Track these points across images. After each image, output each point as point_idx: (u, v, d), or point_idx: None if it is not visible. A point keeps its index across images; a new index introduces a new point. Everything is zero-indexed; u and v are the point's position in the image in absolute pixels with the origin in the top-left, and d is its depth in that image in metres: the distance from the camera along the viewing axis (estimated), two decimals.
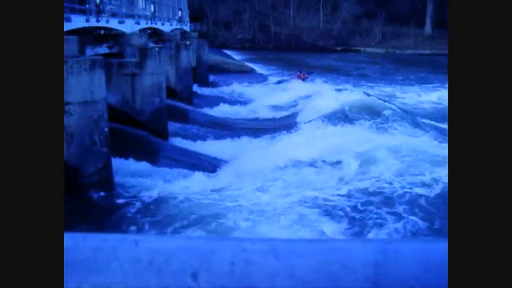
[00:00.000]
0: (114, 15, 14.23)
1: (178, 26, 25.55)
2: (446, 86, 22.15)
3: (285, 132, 15.19)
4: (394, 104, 18.99)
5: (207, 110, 19.17)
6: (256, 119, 18.73)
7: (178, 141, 13.98)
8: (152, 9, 19.85)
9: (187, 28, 28.85)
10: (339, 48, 57.36)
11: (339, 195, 9.74)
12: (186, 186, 10.21)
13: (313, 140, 13.23)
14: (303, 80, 28.53)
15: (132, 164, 10.87)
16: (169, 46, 18.86)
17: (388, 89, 26.07)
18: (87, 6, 12.07)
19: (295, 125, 16.28)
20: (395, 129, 14.96)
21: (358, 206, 9.27)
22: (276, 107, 20.41)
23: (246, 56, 46.36)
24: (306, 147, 12.42)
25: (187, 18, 30.36)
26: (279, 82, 29.35)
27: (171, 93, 17.30)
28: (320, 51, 53.89)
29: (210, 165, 12.15)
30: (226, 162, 12.38)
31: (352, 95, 19.20)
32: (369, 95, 20.28)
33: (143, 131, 13.12)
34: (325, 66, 39.72)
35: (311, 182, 10.58)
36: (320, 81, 26.28)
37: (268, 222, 8.49)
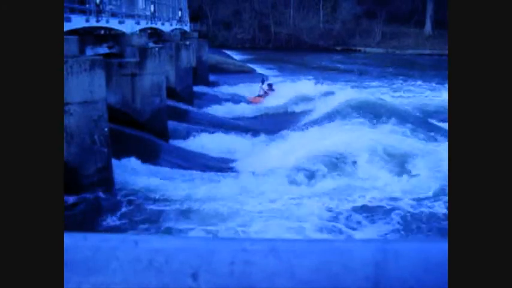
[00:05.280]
0: (114, 15, 14.22)
1: (178, 26, 25.54)
2: (446, 86, 22.14)
3: (286, 132, 15.19)
4: (395, 104, 18.97)
5: (207, 110, 19.16)
6: (257, 119, 18.72)
7: (178, 141, 13.97)
8: (152, 9, 19.84)
9: (187, 28, 28.84)
10: (338, 48, 57.35)
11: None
12: (186, 186, 10.21)
13: (313, 140, 13.23)
14: (264, 94, 22.21)
15: (132, 164, 10.87)
16: (169, 46, 18.85)
17: (387, 89, 26.06)
18: (87, 6, 12.07)
19: (297, 125, 16.28)
20: (400, 129, 14.93)
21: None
22: (277, 107, 20.39)
23: (246, 56, 46.36)
24: (306, 147, 12.42)
25: (187, 18, 30.34)
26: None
27: (171, 93, 17.29)
28: (320, 51, 53.90)
29: (210, 165, 12.14)
30: (226, 162, 12.38)
31: (354, 94, 19.18)
32: (371, 94, 20.27)
33: (143, 131, 13.11)
34: (325, 67, 39.73)
35: (312, 183, 10.57)
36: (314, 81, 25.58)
37: (270, 225, 8.48)
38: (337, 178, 10.73)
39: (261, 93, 22.80)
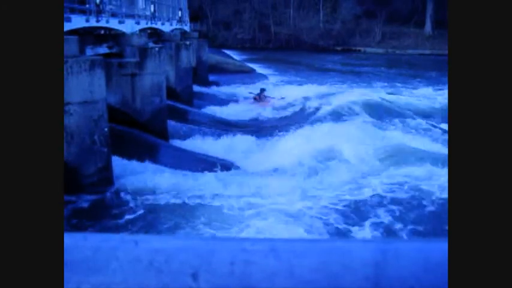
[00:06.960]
0: (114, 15, 14.22)
1: (178, 26, 25.53)
2: (447, 86, 21.95)
3: (286, 132, 15.18)
4: (397, 104, 18.95)
5: (207, 110, 19.15)
6: (257, 119, 18.71)
7: (178, 142, 13.97)
8: (152, 9, 19.83)
9: (187, 28, 28.82)
10: (339, 48, 57.35)
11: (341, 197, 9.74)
12: (187, 186, 10.21)
13: (313, 140, 13.23)
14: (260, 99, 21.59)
15: (132, 164, 10.87)
16: (169, 46, 18.84)
17: (388, 89, 26.01)
18: (87, 6, 12.07)
19: (297, 125, 16.26)
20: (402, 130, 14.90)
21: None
22: (277, 107, 20.37)
23: (246, 56, 46.33)
24: (307, 147, 12.42)
25: (187, 18, 30.33)
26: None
27: (171, 93, 17.29)
28: (320, 51, 53.90)
29: (210, 165, 12.13)
30: (226, 162, 12.38)
31: (353, 95, 19.17)
32: (372, 94, 20.25)
33: (143, 131, 13.12)
34: (327, 67, 39.69)
35: (311, 183, 10.57)
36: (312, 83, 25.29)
37: (267, 225, 8.48)
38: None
39: (257, 96, 21.88)
